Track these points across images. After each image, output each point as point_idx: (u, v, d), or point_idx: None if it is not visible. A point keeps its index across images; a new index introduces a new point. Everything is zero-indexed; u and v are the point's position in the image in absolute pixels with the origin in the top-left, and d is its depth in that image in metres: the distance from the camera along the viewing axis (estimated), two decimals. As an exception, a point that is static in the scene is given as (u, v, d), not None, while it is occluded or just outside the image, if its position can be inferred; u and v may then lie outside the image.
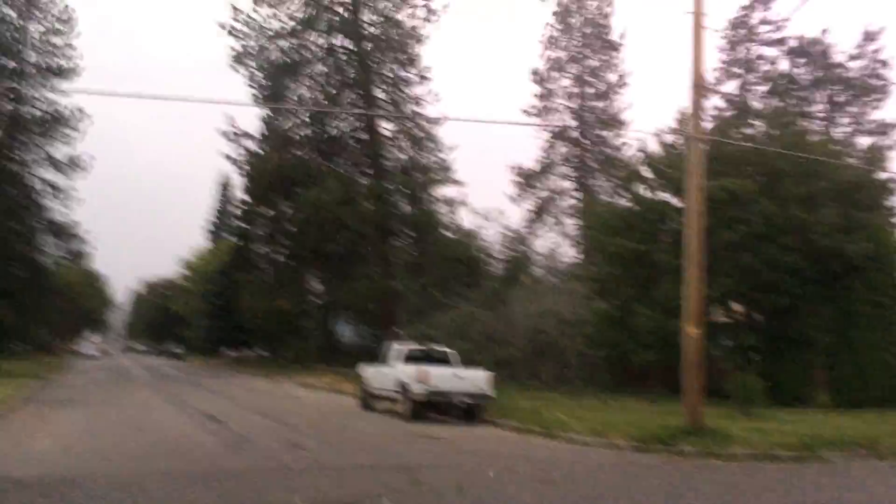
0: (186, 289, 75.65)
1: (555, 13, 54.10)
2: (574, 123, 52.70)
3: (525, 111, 54.32)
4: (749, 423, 15.53)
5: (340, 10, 43.05)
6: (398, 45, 43.74)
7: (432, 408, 17.13)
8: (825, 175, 22.45)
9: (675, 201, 23.28)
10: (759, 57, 50.93)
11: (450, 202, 43.62)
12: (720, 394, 21.08)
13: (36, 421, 15.34)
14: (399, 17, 43.57)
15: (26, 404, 19.07)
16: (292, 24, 42.65)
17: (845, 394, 21.65)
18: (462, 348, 30.16)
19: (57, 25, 52.13)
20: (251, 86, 42.59)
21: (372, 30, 43.77)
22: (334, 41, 43.60)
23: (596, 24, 54.49)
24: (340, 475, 9.87)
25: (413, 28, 43.53)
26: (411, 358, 18.22)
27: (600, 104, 53.80)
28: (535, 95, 54.39)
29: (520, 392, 23.98)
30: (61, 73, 52.04)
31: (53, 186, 53.44)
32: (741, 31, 51.35)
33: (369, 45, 43.30)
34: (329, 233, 39.88)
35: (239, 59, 41.65)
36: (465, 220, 42.87)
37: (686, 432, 13.74)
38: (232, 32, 41.77)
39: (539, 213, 48.69)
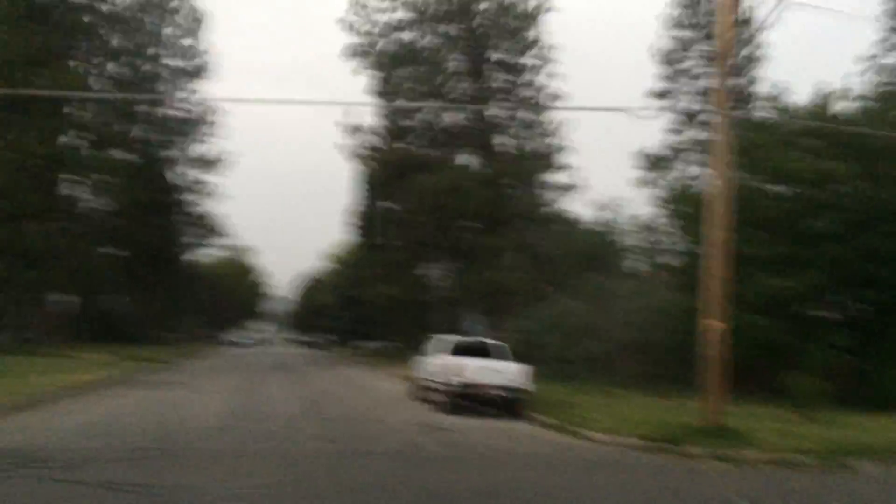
0: (327, 282, 79.12)
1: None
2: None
3: (653, 94, 52.82)
4: (784, 427, 14.17)
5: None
6: (512, 31, 43.53)
7: (473, 400, 16.83)
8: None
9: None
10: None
11: (564, 189, 43.13)
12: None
13: (101, 399, 16.52)
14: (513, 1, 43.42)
15: (114, 385, 20.53)
16: (405, 15, 43.53)
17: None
18: (554, 342, 30.13)
19: (189, 26, 56.08)
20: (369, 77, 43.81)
21: (485, 17, 43.83)
22: (448, 30, 44.08)
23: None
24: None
25: (527, 13, 43.25)
26: (458, 350, 18.01)
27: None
28: (662, 77, 52.69)
29: (589, 388, 23.35)
30: (196, 73, 55.95)
31: (196, 182, 57.62)
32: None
33: (482, 32, 43.31)
34: (441, 221, 40.38)
35: (354, 51, 42.93)
36: (584, 209, 42.37)
37: (703, 433, 12.77)
38: (349, 27, 43.18)
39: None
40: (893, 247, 19.23)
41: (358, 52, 43.35)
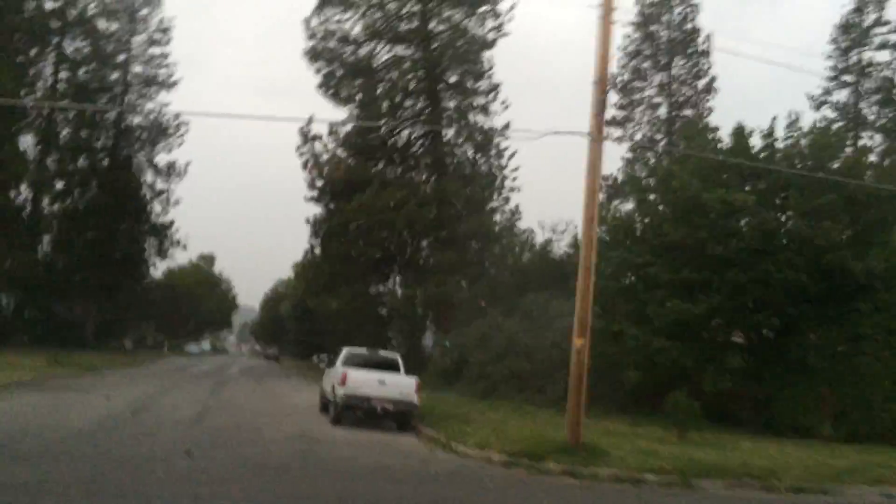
0: (287, 294, 78.91)
1: (634, 23, 53.10)
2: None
3: (609, 122, 53.75)
4: (650, 446, 14.41)
5: (410, 19, 43.90)
6: (466, 54, 43.99)
7: (359, 412, 16.92)
8: (838, 188, 20.52)
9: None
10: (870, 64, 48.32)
11: (511, 211, 43.97)
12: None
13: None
14: (467, 26, 43.92)
15: (20, 388, 20.35)
16: (362, 30, 43.85)
17: (848, 426, 19.67)
18: (479, 359, 30.34)
19: (156, 36, 56.24)
20: (325, 87, 43.94)
21: (440, 39, 44.26)
22: (404, 50, 44.50)
23: (682, 30, 53.16)
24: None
25: (480, 38, 43.79)
26: (351, 361, 18.08)
27: (687, 112, 52.34)
28: (616, 105, 53.70)
29: (502, 405, 23.54)
30: (162, 83, 56.07)
31: (157, 191, 57.56)
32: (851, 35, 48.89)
33: (437, 54, 43.71)
34: (389, 237, 40.61)
35: (312, 54, 43.12)
36: (537, 230, 43.00)
37: (562, 449, 12.96)
38: (312, 34, 43.38)
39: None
40: (788, 275, 19.66)
41: (317, 56, 43.54)
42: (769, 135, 21.76)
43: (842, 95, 48.97)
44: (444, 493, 10.09)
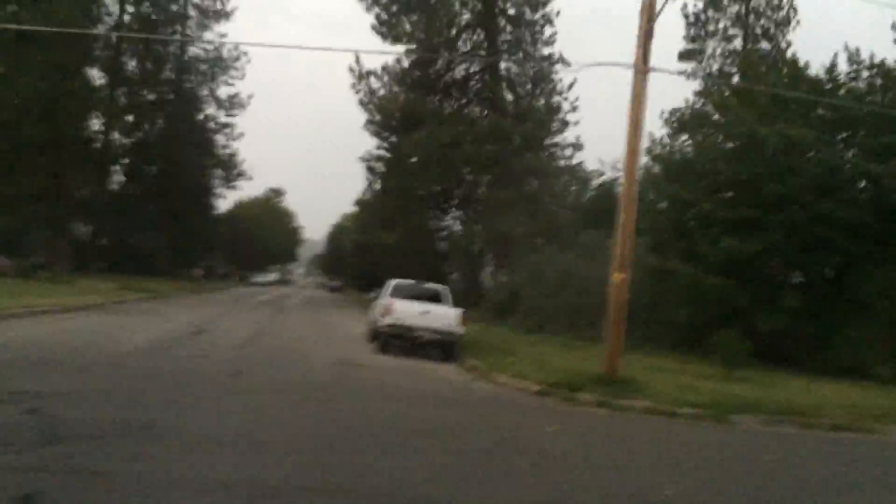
0: (348, 227, 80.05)
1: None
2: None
3: (680, 54, 52.12)
4: (690, 381, 14.39)
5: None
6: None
7: (403, 341, 17.30)
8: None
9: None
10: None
11: (572, 146, 43.35)
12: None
13: (60, 321, 17.35)
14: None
15: (90, 309, 21.42)
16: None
17: (903, 368, 19.24)
18: (533, 294, 30.42)
19: None
20: (379, 26, 43.49)
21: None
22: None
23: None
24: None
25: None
26: (397, 293, 18.39)
27: (764, 45, 50.18)
28: (687, 37, 51.92)
29: (551, 339, 23.71)
30: (219, 12, 56.54)
31: (220, 123, 58.73)
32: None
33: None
34: (446, 172, 40.63)
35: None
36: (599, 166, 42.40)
37: (598, 382, 13.06)
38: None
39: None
40: (848, 213, 19.03)
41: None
42: (831, 69, 20.80)
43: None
44: (476, 415, 10.32)
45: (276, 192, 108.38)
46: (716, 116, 23.31)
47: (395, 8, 43.47)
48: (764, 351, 21.72)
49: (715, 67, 51.35)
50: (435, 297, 18.58)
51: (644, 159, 25.26)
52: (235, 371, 11.15)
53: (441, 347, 17.32)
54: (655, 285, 23.39)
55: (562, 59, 42.99)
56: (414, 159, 40.94)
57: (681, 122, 26.34)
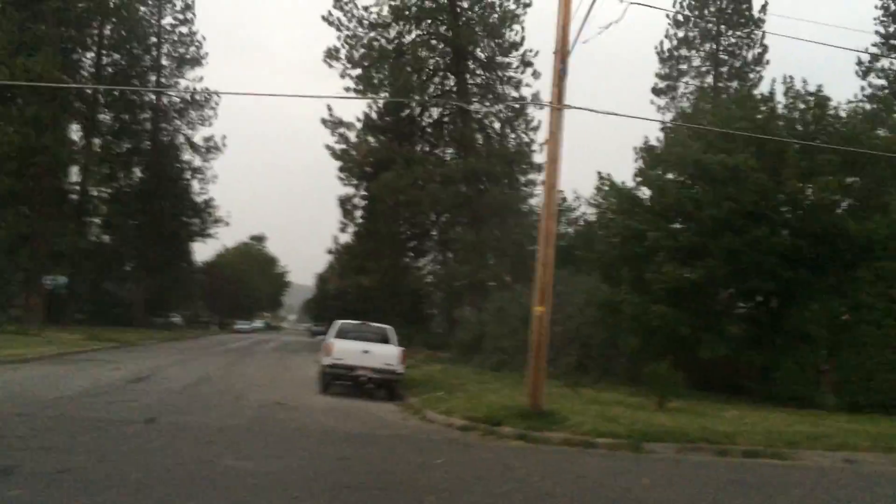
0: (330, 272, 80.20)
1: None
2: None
3: (653, 90, 53.10)
4: (613, 411, 14.47)
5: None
6: (494, 29, 43.84)
7: (346, 380, 17.41)
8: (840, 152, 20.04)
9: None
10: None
11: (533, 184, 43.82)
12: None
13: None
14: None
15: (41, 360, 21.52)
16: (389, 13, 43.95)
17: (849, 396, 19.35)
18: (495, 332, 30.57)
19: (181, 16, 57.58)
20: (348, 75, 44.21)
21: (468, 15, 44.16)
22: (432, 28, 44.53)
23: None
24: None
25: (510, 12, 43.54)
26: (342, 333, 18.56)
27: (735, 83, 51.02)
28: (659, 75, 52.94)
29: (504, 376, 23.75)
30: (191, 60, 57.46)
31: (195, 168, 59.19)
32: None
33: (465, 30, 43.58)
34: (407, 216, 41.07)
35: (331, 54, 43.44)
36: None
37: (521, 415, 13.18)
38: (330, 22, 43.70)
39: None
40: (782, 238, 19.36)
41: (337, 55, 43.78)
42: (769, 100, 21.34)
43: (889, 62, 47.33)
44: (376, 451, 10.42)
45: (258, 239, 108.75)
46: (656, 150, 23.75)
47: (366, 63, 44.24)
48: (711, 380, 21.97)
49: (685, 104, 52.12)
50: (380, 337, 18.74)
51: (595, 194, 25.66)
52: (149, 417, 11.20)
53: (383, 386, 17.44)
54: (609, 319, 23.63)
55: (535, 100, 43.49)
56: (383, 203, 41.37)
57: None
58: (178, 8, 57.11)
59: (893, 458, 12.35)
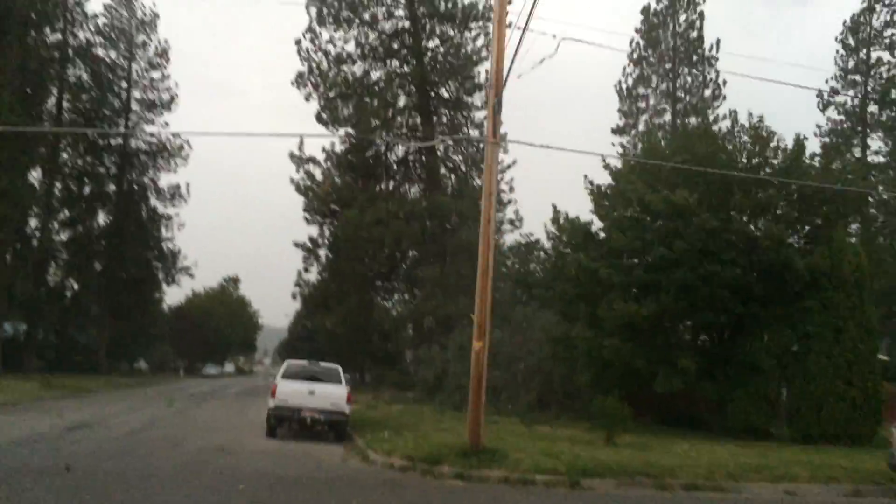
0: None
1: (638, 30, 53.36)
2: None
3: (612, 130, 53.89)
4: (557, 448, 14.32)
5: (402, 36, 44.30)
6: (458, 69, 44.33)
7: (291, 422, 17.08)
8: (783, 185, 20.35)
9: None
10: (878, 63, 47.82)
11: (510, 222, 44.02)
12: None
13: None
14: (459, 41, 44.25)
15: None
16: (355, 49, 44.35)
17: (800, 427, 19.37)
18: (457, 370, 30.32)
19: (155, 61, 57.60)
20: (318, 115, 44.29)
21: (432, 55, 44.64)
22: (398, 67, 44.93)
23: (687, 39, 53.10)
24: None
25: (474, 52, 44.12)
26: (289, 373, 18.25)
27: (692, 119, 51.82)
28: (621, 111, 53.75)
29: (460, 416, 23.45)
30: (162, 105, 57.36)
31: (161, 215, 58.65)
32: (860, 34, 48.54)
33: (430, 70, 44.03)
34: (369, 253, 40.93)
35: (305, 80, 43.66)
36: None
37: (461, 453, 12.98)
38: (304, 52, 43.97)
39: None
40: (732, 274, 19.46)
41: (307, 82, 44.04)
42: (711, 134, 21.69)
43: (847, 98, 48.45)
44: (296, 495, 10.15)
45: (233, 281, 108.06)
46: (603, 187, 23.95)
47: (332, 94, 44.50)
48: (670, 414, 21.93)
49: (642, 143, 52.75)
50: (328, 377, 18.40)
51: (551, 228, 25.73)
52: (67, 465, 10.81)
53: (331, 427, 17.11)
54: (564, 354, 23.55)
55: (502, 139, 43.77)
56: (344, 241, 41.21)
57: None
58: (151, 53, 56.85)
59: (832, 488, 12.35)
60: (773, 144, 21.20)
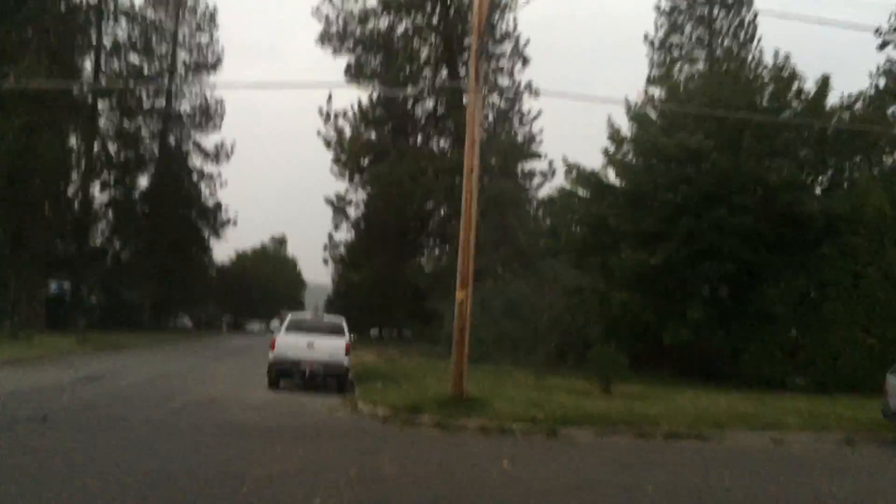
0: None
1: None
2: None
3: (648, 79, 52.42)
4: (544, 397, 14.16)
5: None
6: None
7: (291, 374, 17.24)
8: (803, 127, 19.48)
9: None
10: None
11: (542, 174, 43.58)
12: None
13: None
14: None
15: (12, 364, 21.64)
16: (378, 4, 43.84)
17: (816, 377, 18.83)
18: (481, 322, 30.27)
19: (203, 24, 57.91)
20: (346, 70, 44.11)
21: (458, 4, 43.84)
22: (421, 18, 44.30)
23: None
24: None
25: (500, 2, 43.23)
26: (293, 327, 18.35)
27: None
28: (651, 63, 52.23)
29: (474, 368, 23.45)
30: (207, 68, 57.79)
31: (205, 174, 59.65)
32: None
33: (455, 19, 43.27)
34: (400, 208, 40.82)
35: (324, 38, 43.46)
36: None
37: (443, 403, 12.96)
38: (324, 18, 43.73)
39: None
40: (742, 220, 18.81)
41: (330, 39, 43.80)
42: (735, 77, 20.82)
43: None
44: (266, 445, 10.13)
45: (279, 241, 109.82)
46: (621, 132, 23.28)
47: (359, 49, 44.21)
48: (686, 365, 21.51)
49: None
50: (330, 330, 18.46)
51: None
52: (43, 416, 11.00)
53: (329, 379, 17.24)
54: (579, 306, 23.25)
55: (529, 88, 43.29)
56: (376, 195, 41.24)
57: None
58: (199, 16, 57.11)
59: (822, 436, 12.00)
60: (795, 86, 20.26)
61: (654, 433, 11.70)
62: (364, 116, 44.88)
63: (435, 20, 44.03)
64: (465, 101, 42.55)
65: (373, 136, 44.04)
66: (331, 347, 17.10)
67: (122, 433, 10.19)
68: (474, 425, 11.90)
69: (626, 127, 23.49)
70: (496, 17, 43.61)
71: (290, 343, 17.09)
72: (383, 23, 44.83)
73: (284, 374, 17.18)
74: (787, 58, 20.45)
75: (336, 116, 44.52)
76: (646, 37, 51.68)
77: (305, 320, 19.07)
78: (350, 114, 44.62)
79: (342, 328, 18.66)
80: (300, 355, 16.89)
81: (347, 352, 17.29)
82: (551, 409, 12.64)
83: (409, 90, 42.93)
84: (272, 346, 17.21)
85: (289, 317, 19.35)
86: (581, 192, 24.12)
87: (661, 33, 51.72)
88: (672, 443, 11.39)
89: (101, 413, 12.02)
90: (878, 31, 45.51)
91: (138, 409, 12.72)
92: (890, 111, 22.03)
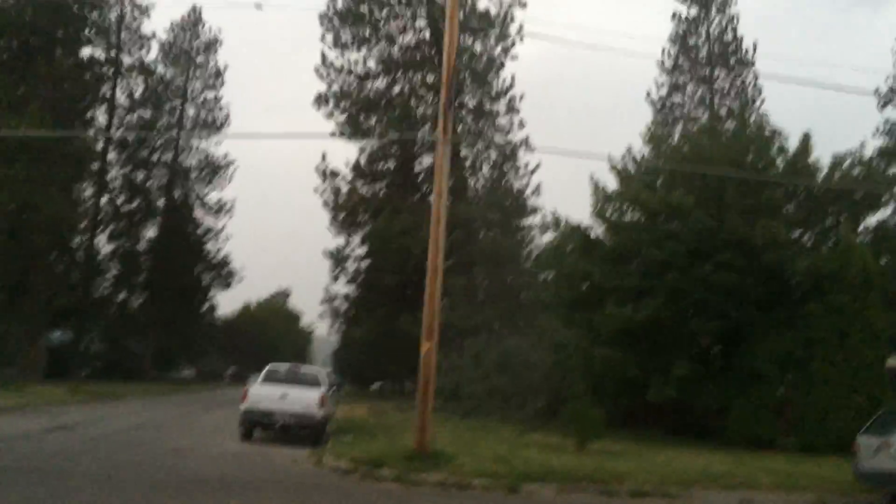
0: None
1: (671, 38, 52.11)
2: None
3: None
4: (511, 452, 13.83)
5: (422, 48, 44.45)
6: (480, 77, 44.12)
7: (265, 426, 16.98)
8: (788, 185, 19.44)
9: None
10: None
11: (537, 229, 43.48)
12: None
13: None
14: (480, 50, 44.11)
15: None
16: (376, 64, 44.60)
17: (804, 436, 18.35)
18: (470, 378, 29.98)
19: (211, 81, 59.07)
20: (338, 124, 44.55)
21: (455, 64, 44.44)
22: (418, 77, 44.97)
23: (722, 42, 51.85)
24: None
25: (494, 60, 43.96)
26: (269, 377, 18.13)
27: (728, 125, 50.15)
28: (653, 123, 52.48)
29: (464, 423, 23.22)
30: (214, 124, 58.70)
31: (208, 228, 60.08)
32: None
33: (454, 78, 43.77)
34: (397, 264, 40.74)
35: (325, 99, 44.05)
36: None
37: (406, 456, 12.68)
38: (319, 75, 44.43)
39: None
40: (727, 277, 18.60)
41: (328, 100, 44.39)
42: (715, 134, 20.89)
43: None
44: (214, 499, 9.95)
45: (283, 294, 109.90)
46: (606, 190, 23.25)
47: (355, 109, 44.79)
48: (678, 424, 21.01)
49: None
50: (308, 381, 18.22)
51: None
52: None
53: (304, 431, 16.91)
54: (566, 362, 22.97)
55: (525, 144, 43.74)
56: (372, 251, 41.30)
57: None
58: (208, 74, 58.31)
59: (793, 497, 11.62)
60: (776, 144, 20.27)
61: (619, 491, 11.38)
62: (361, 173, 45.21)
63: (431, 79, 44.61)
64: (462, 154, 43.19)
65: (372, 190, 44.27)
66: (304, 398, 16.83)
67: (59, 487, 9.94)
68: (434, 480, 11.63)
69: (613, 184, 23.59)
70: (491, 74, 44.43)
71: (263, 394, 16.86)
72: (381, 83, 45.56)
73: (257, 425, 16.92)
74: (763, 116, 20.54)
75: (333, 175, 44.82)
76: (647, 95, 51.97)
77: (282, 371, 18.80)
78: (345, 171, 44.98)
79: (318, 379, 18.43)
80: (272, 406, 16.64)
81: (323, 403, 17.01)
82: (516, 465, 12.36)
83: (394, 146, 43.35)
84: (243, 398, 16.98)
85: (267, 367, 19.13)
86: (569, 246, 23.96)
87: (662, 91, 52.04)
88: (637, 500, 11.06)
89: (68, 463, 11.84)
90: (877, 93, 45.74)
91: (104, 459, 12.52)
92: (892, 171, 21.78)
